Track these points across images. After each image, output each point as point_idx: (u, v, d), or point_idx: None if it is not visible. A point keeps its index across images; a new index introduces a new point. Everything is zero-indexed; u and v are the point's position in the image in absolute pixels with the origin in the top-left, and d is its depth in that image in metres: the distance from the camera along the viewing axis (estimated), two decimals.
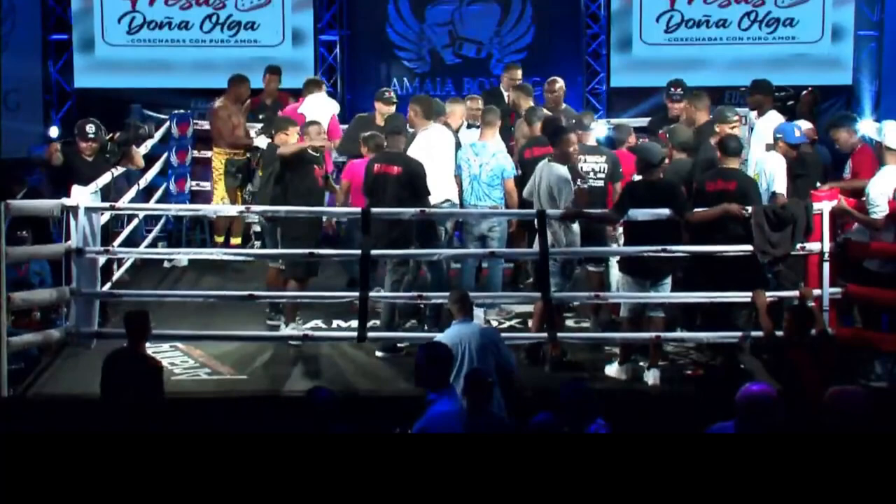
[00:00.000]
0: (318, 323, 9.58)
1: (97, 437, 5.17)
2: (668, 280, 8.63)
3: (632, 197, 8.53)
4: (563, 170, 8.79)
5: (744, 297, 8.26)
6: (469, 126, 10.54)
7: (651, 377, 8.48)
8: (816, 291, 8.40)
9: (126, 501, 4.74)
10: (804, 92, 11.37)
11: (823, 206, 8.47)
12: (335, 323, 9.61)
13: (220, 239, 11.09)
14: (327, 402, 6.17)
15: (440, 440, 5.50)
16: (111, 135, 10.10)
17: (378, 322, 9.36)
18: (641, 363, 8.66)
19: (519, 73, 11.48)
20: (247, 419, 7.83)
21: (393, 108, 10.74)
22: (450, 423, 6.21)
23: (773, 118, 9.71)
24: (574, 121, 9.90)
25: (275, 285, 9.56)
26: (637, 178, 8.86)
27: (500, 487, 4.76)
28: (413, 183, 9.07)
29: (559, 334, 8.62)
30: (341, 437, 5.43)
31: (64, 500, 4.75)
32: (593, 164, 9.15)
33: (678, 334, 8.92)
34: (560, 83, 11.05)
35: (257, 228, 12.05)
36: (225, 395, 8.30)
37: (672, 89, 10.89)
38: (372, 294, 8.76)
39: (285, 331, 9.19)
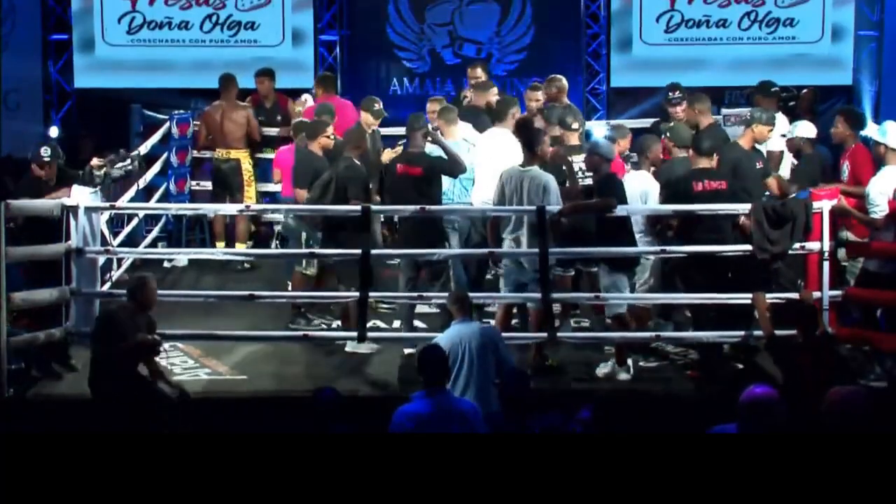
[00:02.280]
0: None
1: (97, 437, 5.16)
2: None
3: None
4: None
5: (744, 298, 8.25)
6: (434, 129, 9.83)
7: (622, 374, 8.51)
8: (816, 294, 8.38)
9: (126, 502, 4.74)
10: (804, 90, 11.36)
11: (823, 206, 8.46)
12: (335, 323, 9.61)
13: (221, 244, 11.06)
14: (329, 402, 6.17)
15: (441, 441, 5.50)
16: (102, 162, 9.46)
17: (378, 322, 9.36)
18: (641, 363, 8.67)
19: (479, 71, 11.08)
20: (247, 419, 7.83)
21: (378, 123, 10.36)
22: (405, 423, 6.21)
23: (778, 121, 9.66)
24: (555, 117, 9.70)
25: (300, 289, 9.53)
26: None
27: (502, 488, 4.76)
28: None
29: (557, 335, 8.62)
30: (341, 437, 5.43)
31: (64, 500, 4.75)
32: (580, 164, 9.10)
33: (678, 333, 8.92)
34: (553, 82, 10.54)
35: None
36: (225, 395, 8.30)
37: (670, 93, 10.43)
38: (372, 294, 8.76)
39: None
